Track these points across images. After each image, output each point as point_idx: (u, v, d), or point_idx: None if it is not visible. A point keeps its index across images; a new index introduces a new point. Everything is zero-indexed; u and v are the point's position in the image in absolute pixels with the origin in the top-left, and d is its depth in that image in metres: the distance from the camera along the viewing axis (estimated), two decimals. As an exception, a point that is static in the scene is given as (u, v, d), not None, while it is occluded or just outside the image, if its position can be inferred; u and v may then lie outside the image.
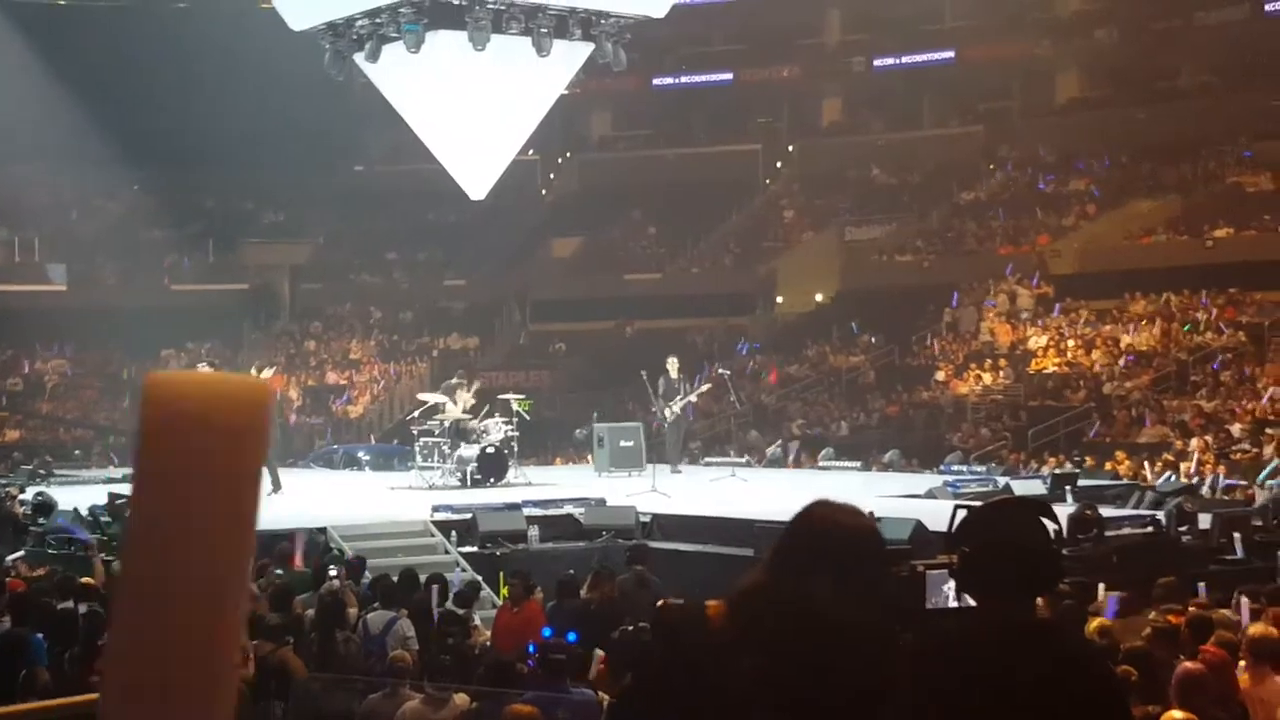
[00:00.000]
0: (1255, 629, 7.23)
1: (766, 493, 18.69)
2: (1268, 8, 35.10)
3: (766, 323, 36.77)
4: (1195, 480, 20.15)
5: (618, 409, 27.64)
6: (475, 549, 15.16)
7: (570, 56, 18.86)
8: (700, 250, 39.07)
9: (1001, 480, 19.65)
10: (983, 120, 39.41)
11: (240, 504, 1.67)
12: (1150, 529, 14.63)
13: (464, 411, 20.12)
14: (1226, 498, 18.82)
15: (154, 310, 33.39)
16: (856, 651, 2.38)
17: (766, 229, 39.48)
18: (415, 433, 20.56)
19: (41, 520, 15.98)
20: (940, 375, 29.91)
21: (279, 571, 12.30)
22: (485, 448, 19.59)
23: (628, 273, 38.29)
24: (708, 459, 24.66)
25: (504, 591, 12.83)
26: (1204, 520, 14.37)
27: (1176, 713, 5.93)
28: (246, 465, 1.66)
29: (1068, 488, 17.68)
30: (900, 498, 17.58)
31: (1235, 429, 23.74)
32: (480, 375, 28.70)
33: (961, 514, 3.73)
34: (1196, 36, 35.68)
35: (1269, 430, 22.98)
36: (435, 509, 16.18)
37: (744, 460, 24.65)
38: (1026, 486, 18.77)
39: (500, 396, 21.10)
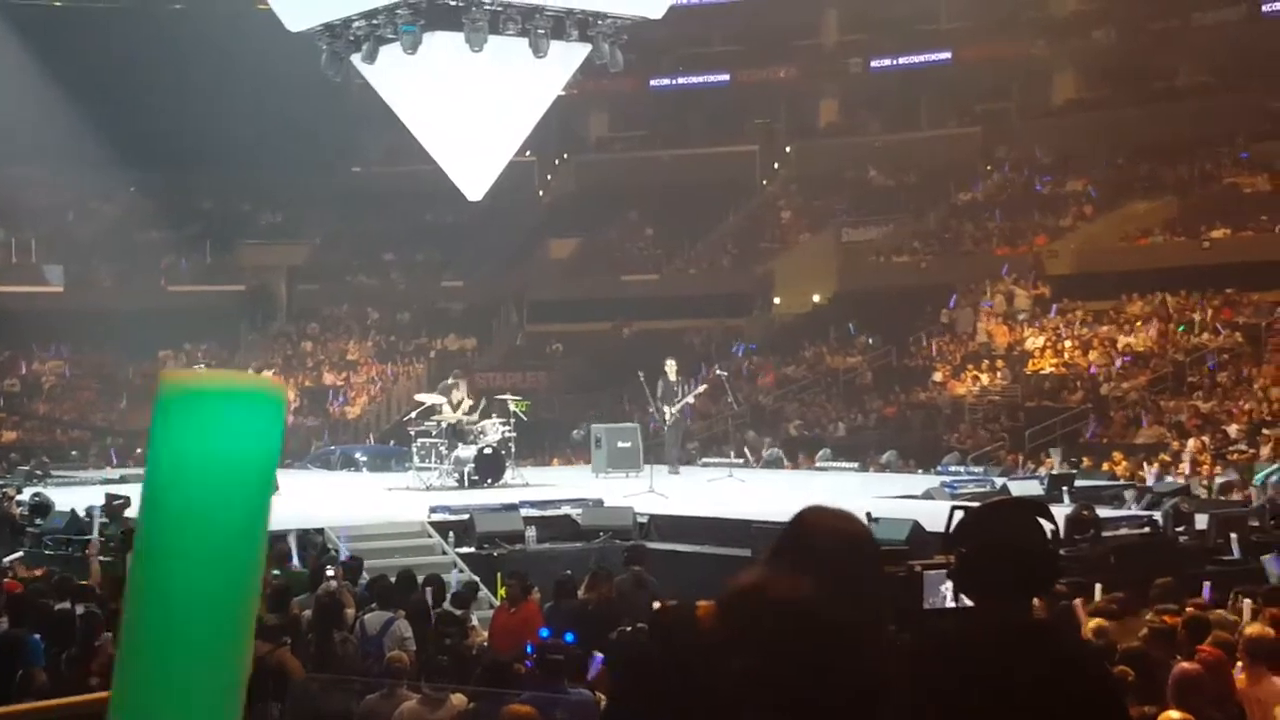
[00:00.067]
0: (1252, 629, 7.24)
1: (764, 493, 18.70)
2: (1265, 8, 35.12)
3: (764, 323, 36.78)
4: (1191, 481, 20.16)
5: (615, 410, 27.66)
6: (473, 550, 15.16)
7: (567, 57, 18.84)
8: (697, 251, 39.08)
9: (999, 481, 19.65)
10: (980, 121, 39.43)
11: (253, 503, 1.68)
12: (1147, 529, 14.64)
13: (464, 413, 20.11)
14: (1223, 498, 18.83)
15: (151, 311, 33.40)
16: (847, 653, 2.38)
17: (764, 230, 39.49)
18: (412, 433, 20.56)
19: (39, 521, 15.97)
20: (937, 376, 29.93)
21: (276, 572, 12.30)
22: (483, 448, 19.59)
23: (625, 274, 38.30)
24: (705, 460, 24.66)
25: (501, 592, 12.83)
26: (1201, 521, 14.38)
27: (1173, 713, 5.94)
28: (260, 464, 1.67)
29: (1065, 488, 17.69)
30: (897, 498, 17.57)
31: (1232, 429, 23.76)
32: (477, 375, 28.73)
33: (958, 515, 3.74)
34: (1194, 37, 35.71)
35: (1266, 431, 23.00)
36: (432, 510, 16.17)
37: (741, 461, 24.66)
38: (1024, 487, 18.76)
39: (498, 397, 21.09)
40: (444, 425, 19.88)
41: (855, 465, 24.50)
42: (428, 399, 20.75)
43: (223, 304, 37.32)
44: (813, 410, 30.33)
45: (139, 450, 25.02)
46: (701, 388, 23.09)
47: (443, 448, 19.78)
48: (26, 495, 18.03)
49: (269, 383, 1.64)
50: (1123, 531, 14.41)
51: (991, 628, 3.07)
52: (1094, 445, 25.07)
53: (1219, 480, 20.21)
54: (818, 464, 24.80)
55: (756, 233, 39.41)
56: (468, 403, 20.35)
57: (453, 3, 17.68)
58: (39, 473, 23.34)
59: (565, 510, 16.58)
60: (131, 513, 14.72)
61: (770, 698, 2.34)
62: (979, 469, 22.27)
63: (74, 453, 29.79)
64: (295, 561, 13.55)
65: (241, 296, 38.45)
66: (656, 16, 19.07)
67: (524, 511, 16.15)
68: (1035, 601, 3.58)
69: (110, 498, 15.78)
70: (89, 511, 15.57)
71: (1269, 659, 6.84)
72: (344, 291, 39.42)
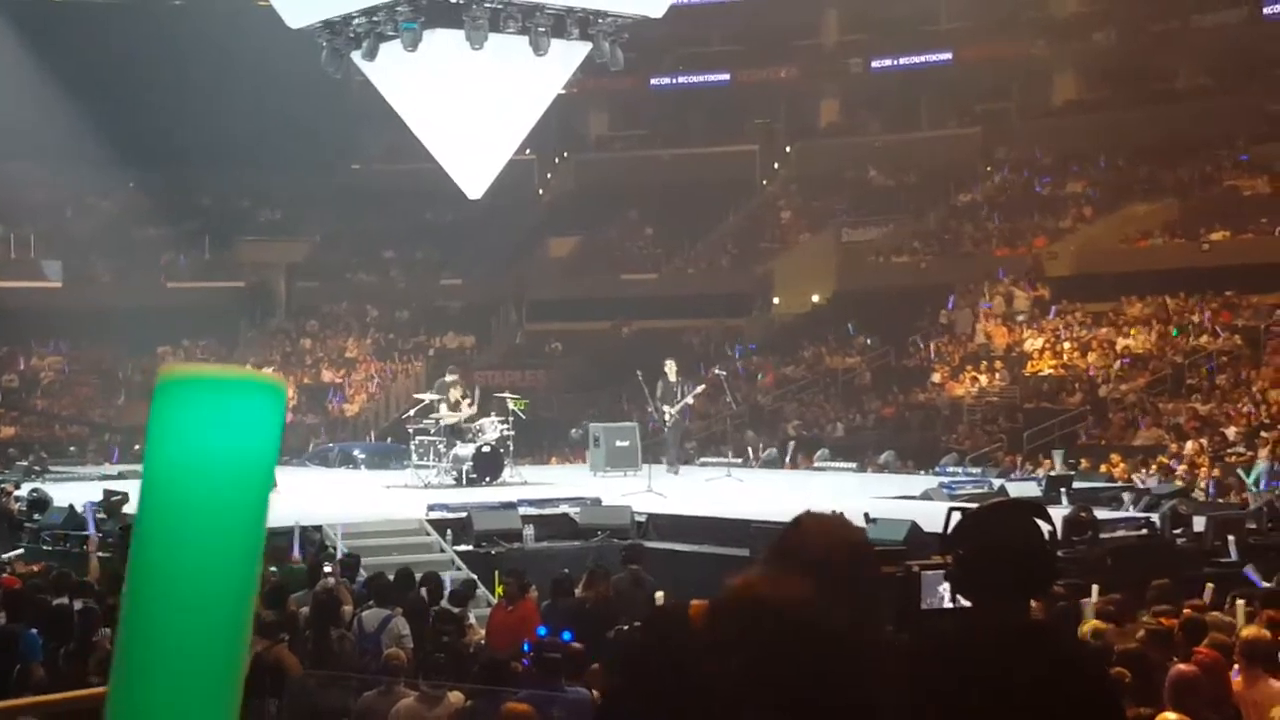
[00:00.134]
0: (1248, 631, 7.24)
1: (762, 493, 18.70)
2: (1266, 11, 35.10)
3: (763, 323, 36.77)
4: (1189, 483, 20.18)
5: (613, 409, 27.65)
6: (470, 548, 15.16)
7: (568, 56, 18.85)
8: (697, 251, 39.07)
9: (997, 482, 19.65)
10: (980, 122, 39.42)
11: (252, 497, 1.68)
12: (1145, 531, 14.65)
13: (462, 412, 20.11)
14: (1221, 500, 18.83)
15: (149, 308, 33.42)
16: (840, 656, 2.38)
17: (763, 230, 39.49)
18: (411, 431, 20.55)
19: (37, 516, 15.97)
20: (936, 377, 29.93)
21: (274, 569, 12.29)
22: (481, 447, 19.59)
23: (624, 273, 38.29)
24: (703, 459, 24.66)
25: (499, 590, 12.83)
26: (1198, 523, 14.38)
27: (1170, 715, 5.94)
28: (260, 458, 1.66)
29: (1063, 490, 17.69)
30: (895, 499, 17.57)
31: (1230, 432, 23.75)
32: (476, 374, 28.72)
33: (956, 516, 3.74)
34: (1194, 39, 35.71)
35: (1264, 433, 22.99)
36: (431, 508, 16.18)
37: (740, 460, 24.66)
38: (1022, 488, 18.76)
39: (496, 395, 21.09)
40: (442, 423, 19.88)
41: (853, 465, 24.50)
42: (427, 398, 20.74)
43: (222, 301, 37.32)
44: (811, 410, 30.34)
45: (137, 446, 25.01)
46: (700, 388, 23.08)
47: (441, 446, 19.78)
48: (25, 491, 18.03)
49: (269, 376, 1.64)
50: (1120, 533, 14.41)
51: (989, 629, 3.08)
52: (1092, 447, 25.06)
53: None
54: (816, 464, 24.80)
55: (756, 232, 39.41)
56: (466, 402, 20.35)
57: (453, 0, 17.68)
58: (37, 468, 23.35)
59: (563, 509, 16.58)
60: (130, 508, 14.73)
61: (761, 699, 2.34)
62: (977, 470, 22.27)
63: (72, 449, 29.80)
64: (297, 553, 13.57)
65: (241, 293, 38.45)
66: (657, 15, 19.07)
67: (522, 510, 16.15)
68: (1033, 603, 3.59)
69: (108, 494, 15.79)
70: (85, 507, 15.58)
71: (1266, 661, 6.84)
72: (343, 289, 39.41)
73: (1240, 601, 8.93)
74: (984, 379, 29.20)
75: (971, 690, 2.96)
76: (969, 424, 27.60)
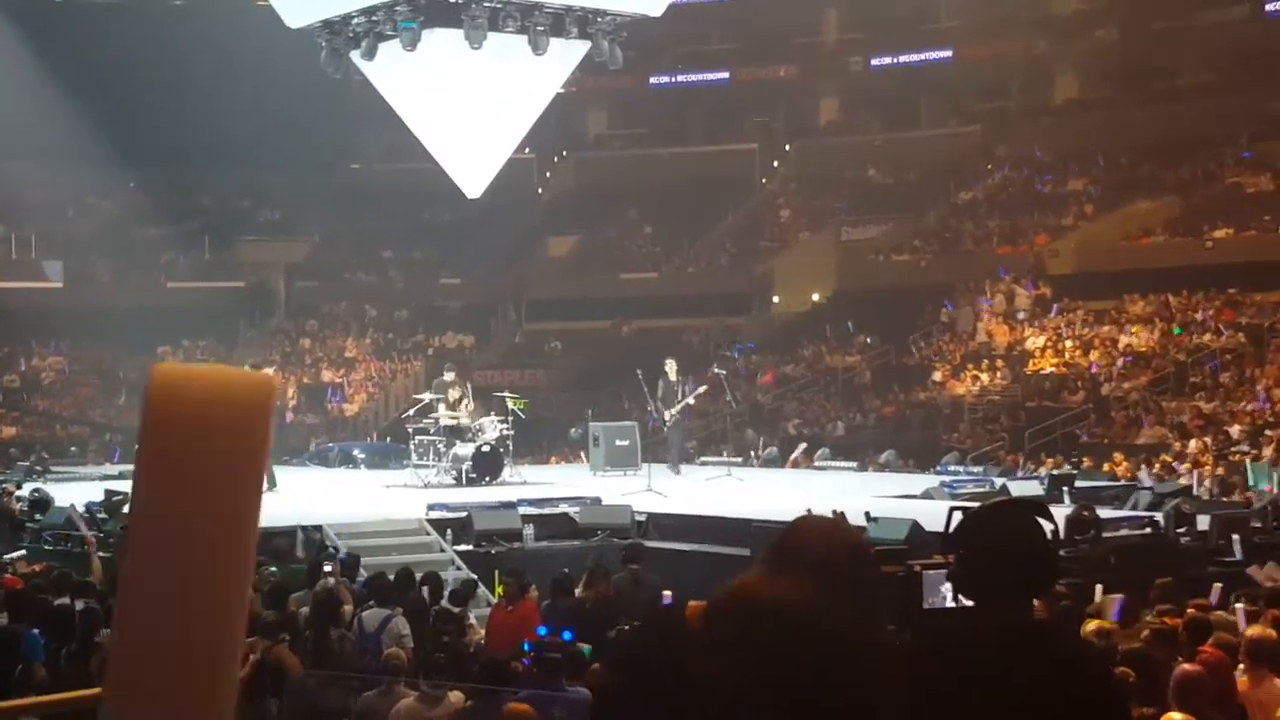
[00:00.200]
0: (1253, 631, 7.21)
1: (763, 492, 18.69)
2: (1268, 8, 35.07)
3: (763, 322, 36.76)
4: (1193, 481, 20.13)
5: (613, 408, 27.64)
6: (470, 547, 15.14)
7: (566, 55, 18.83)
8: (696, 250, 39.05)
9: (998, 481, 19.63)
10: (980, 120, 39.39)
11: (243, 499, 1.65)
12: (1148, 530, 14.61)
13: (462, 411, 20.09)
14: (1225, 499, 18.79)
15: (150, 307, 33.42)
16: (837, 657, 2.37)
17: (763, 228, 39.47)
18: (411, 431, 20.54)
19: (38, 517, 15.96)
20: (937, 376, 29.90)
21: (274, 569, 12.28)
22: (480, 446, 19.57)
23: (624, 272, 38.27)
24: (704, 458, 24.63)
25: (499, 590, 12.81)
26: (1202, 522, 14.34)
27: (1175, 715, 5.92)
28: (250, 459, 1.64)
29: (1065, 489, 17.66)
30: (896, 498, 17.55)
31: (1234, 430, 23.71)
32: (476, 373, 28.70)
33: (957, 516, 3.72)
34: (1196, 36, 35.66)
35: (1268, 432, 22.95)
36: (430, 507, 16.16)
37: (740, 460, 24.65)
38: (1023, 487, 18.75)
39: (496, 395, 21.07)
40: (441, 423, 19.86)
41: (854, 465, 24.48)
42: (426, 397, 20.72)
43: (222, 301, 37.31)
44: (812, 409, 30.31)
45: (137, 446, 24.99)
46: (702, 389, 23.05)
47: (441, 445, 19.77)
48: (26, 491, 18.02)
49: (259, 375, 1.61)
50: (1123, 532, 14.38)
51: (991, 628, 3.06)
52: (1095, 446, 25.03)
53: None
54: (817, 463, 24.78)
55: (756, 231, 39.38)
56: (465, 402, 20.33)
57: (452, 0, 17.66)
58: (38, 469, 23.35)
59: (563, 508, 16.56)
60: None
61: (759, 699, 2.33)
62: (978, 469, 22.25)
63: (73, 449, 29.81)
64: (301, 553, 13.58)
65: (240, 293, 38.44)
66: (656, 14, 19.06)
67: (522, 509, 16.13)
68: (1035, 602, 3.56)
69: (110, 493, 15.78)
70: (87, 508, 15.56)
71: (1271, 661, 6.81)
72: (342, 289, 39.40)
73: (1240, 604, 8.89)
74: (985, 377, 29.16)
75: (974, 690, 2.95)
76: (970, 423, 27.57)
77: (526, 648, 9.29)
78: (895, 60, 39.75)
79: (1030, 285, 31.67)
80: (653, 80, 41.72)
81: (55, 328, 34.54)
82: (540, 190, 43.22)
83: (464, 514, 15.72)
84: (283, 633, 9.67)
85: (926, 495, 17.94)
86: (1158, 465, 21.93)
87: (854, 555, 2.52)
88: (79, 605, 10.09)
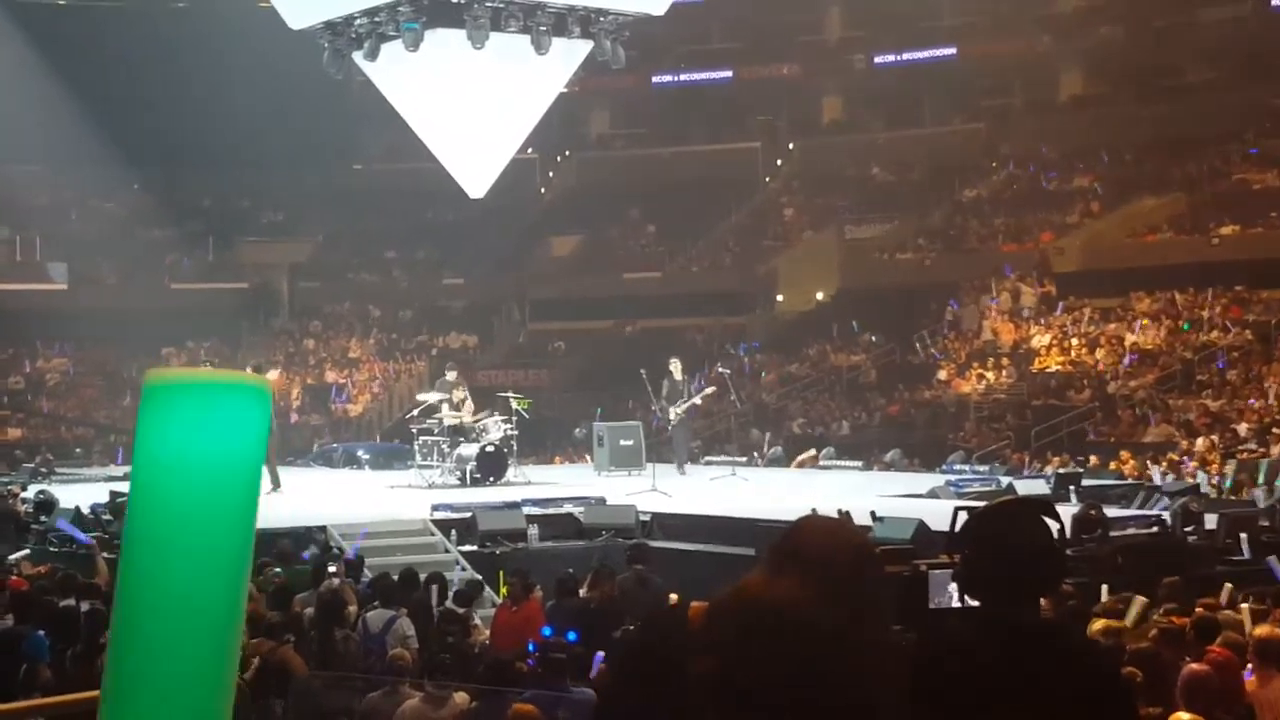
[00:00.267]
0: (1261, 630, 7.18)
1: (768, 492, 18.67)
2: (1274, 3, 34.98)
3: (766, 321, 36.73)
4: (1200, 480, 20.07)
5: (617, 408, 27.62)
6: (475, 548, 15.14)
7: (569, 54, 18.80)
8: (700, 249, 39.04)
9: (1004, 480, 19.59)
10: (984, 117, 39.34)
11: (239, 501, 1.63)
12: (1155, 529, 14.57)
13: (466, 412, 20.09)
14: (1233, 498, 18.73)
15: (154, 309, 33.45)
16: (836, 657, 2.35)
17: (766, 227, 39.44)
18: (415, 431, 20.53)
19: (43, 518, 15.96)
20: (942, 374, 29.86)
21: (279, 570, 12.27)
22: (485, 446, 19.57)
23: (627, 271, 38.26)
24: (708, 458, 24.62)
25: (503, 590, 12.79)
26: (1210, 520, 14.30)
27: (1183, 714, 5.90)
28: (246, 462, 1.62)
29: (1072, 487, 17.63)
30: (902, 497, 17.53)
31: (1242, 428, 23.65)
32: (479, 374, 28.71)
33: (963, 516, 3.70)
34: (1201, 33, 35.57)
35: (1276, 429, 22.89)
36: (435, 508, 16.16)
37: (744, 459, 24.64)
38: (1030, 486, 18.73)
39: (499, 395, 21.06)
40: (445, 423, 19.86)
41: (859, 464, 24.45)
42: (430, 398, 20.71)
43: (225, 302, 37.33)
44: (816, 409, 30.28)
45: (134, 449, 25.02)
46: (710, 390, 23.01)
47: (445, 446, 19.77)
48: (31, 493, 18.04)
49: (254, 379, 1.59)
50: (1130, 531, 14.34)
51: (998, 628, 3.04)
52: (1101, 444, 24.98)
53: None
54: (821, 463, 24.76)
55: (759, 230, 39.36)
56: (470, 401, 20.33)
57: (454, 0, 17.64)
58: (43, 470, 23.38)
59: (567, 508, 16.56)
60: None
61: (758, 699, 2.31)
62: (984, 468, 22.23)
63: (78, 450, 29.83)
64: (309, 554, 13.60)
65: (244, 294, 38.45)
66: (659, 13, 19.01)
67: (526, 510, 16.13)
68: (1042, 602, 3.54)
69: (114, 494, 15.80)
70: (92, 509, 15.55)
71: (1279, 660, 6.78)
72: (346, 289, 39.42)
73: (1245, 604, 8.86)
74: (991, 376, 29.12)
75: (981, 690, 2.93)
76: (976, 421, 27.53)
77: (531, 648, 9.27)
78: (899, 58, 39.70)
79: (1036, 282, 31.63)
80: (655, 79, 41.70)
81: (59, 329, 34.57)
82: (543, 190, 43.22)
83: (468, 514, 15.71)
84: (287, 633, 9.67)
85: (932, 494, 17.93)
86: (1164, 463, 21.89)
87: (857, 555, 2.51)
88: (84, 607, 10.09)
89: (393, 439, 28.81)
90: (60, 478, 22.48)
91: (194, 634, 1.61)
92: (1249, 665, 6.91)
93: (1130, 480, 20.30)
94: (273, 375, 31.13)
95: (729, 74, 41.74)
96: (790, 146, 41.70)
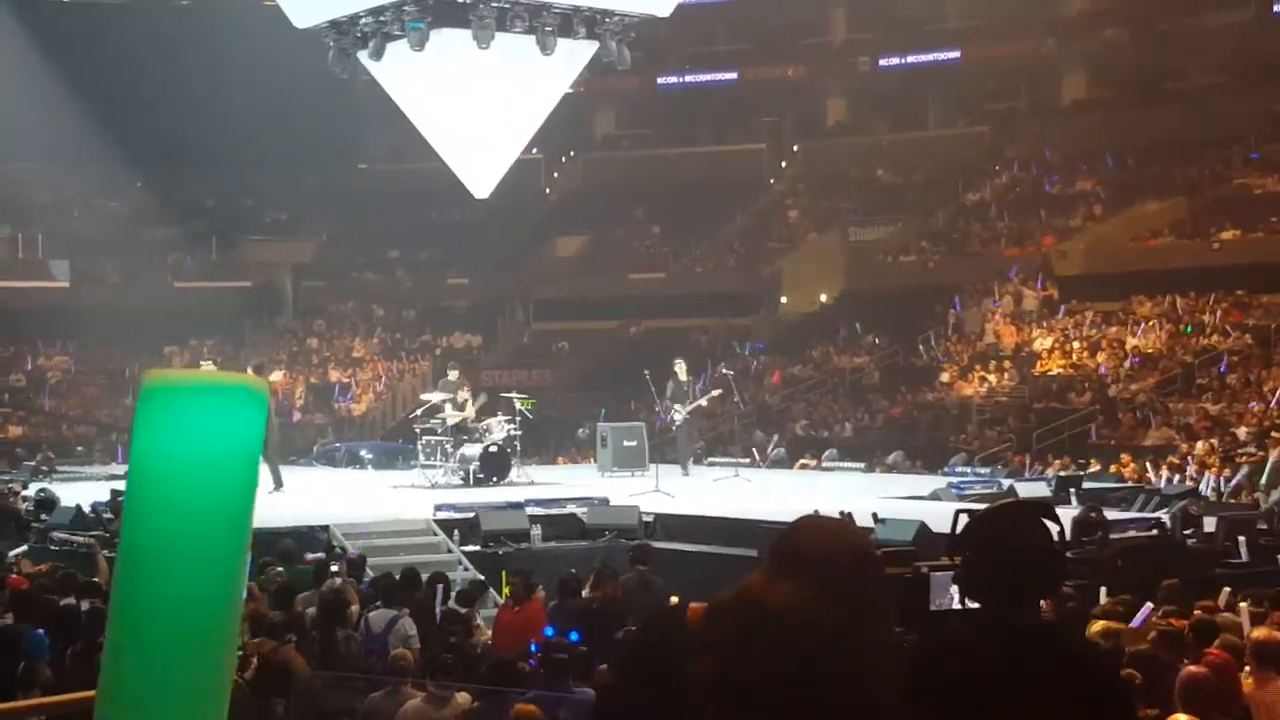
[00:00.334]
0: (1259, 633, 7.20)
1: (771, 493, 18.68)
2: (1276, 9, 35.02)
3: (770, 323, 36.73)
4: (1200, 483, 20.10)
5: (621, 408, 27.64)
6: (478, 548, 15.15)
7: (574, 55, 18.80)
8: (704, 250, 39.04)
9: (1006, 482, 19.60)
10: (988, 120, 39.35)
11: (236, 502, 1.65)
12: (1155, 532, 14.59)
13: (468, 412, 20.11)
14: (1232, 501, 18.75)
15: (156, 307, 33.43)
16: (834, 657, 2.36)
17: (771, 229, 39.44)
18: (418, 431, 20.55)
19: (44, 517, 15.98)
20: (945, 376, 29.86)
21: (280, 569, 12.28)
22: (488, 447, 19.58)
23: (631, 272, 38.26)
24: (711, 459, 24.63)
25: (505, 590, 12.81)
26: (1209, 523, 14.32)
27: (1181, 716, 5.91)
28: (243, 462, 1.64)
29: (1072, 490, 17.65)
30: (904, 499, 17.55)
31: (1241, 432, 23.67)
32: (483, 373, 28.72)
33: (964, 519, 3.72)
34: (1204, 37, 35.58)
35: (1275, 433, 22.90)
36: (438, 508, 16.17)
37: (747, 460, 24.65)
38: (1031, 489, 18.73)
39: (503, 395, 21.08)
40: (449, 423, 19.87)
41: (861, 466, 24.47)
42: (433, 398, 20.73)
43: (229, 300, 37.31)
44: (819, 410, 30.29)
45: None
46: (716, 392, 23.02)
47: (448, 445, 19.78)
48: (32, 491, 18.05)
49: (250, 379, 1.61)
50: (1130, 534, 14.36)
51: (999, 630, 3.06)
52: (1102, 447, 24.99)
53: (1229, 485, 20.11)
54: (824, 464, 24.78)
55: (763, 232, 39.36)
56: (472, 402, 20.34)
57: (460, 0, 17.65)
58: (44, 468, 23.38)
59: (571, 509, 16.57)
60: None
61: (757, 700, 2.32)
62: (986, 470, 22.25)
63: (79, 448, 29.83)
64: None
65: (247, 293, 38.44)
66: (664, 14, 19.01)
67: (529, 510, 16.15)
68: (1042, 604, 3.56)
69: (115, 493, 15.79)
70: (93, 508, 15.57)
71: (1277, 663, 6.80)
72: (349, 288, 39.43)
73: (1244, 604, 8.88)
74: (993, 379, 29.13)
75: (982, 691, 2.94)
76: (978, 424, 27.53)
77: (534, 649, 9.29)
78: (903, 60, 39.71)
79: (1038, 286, 31.64)
80: (661, 80, 41.71)
81: (62, 328, 34.57)
82: (548, 190, 43.23)
83: (471, 514, 15.73)
84: (289, 633, 9.67)
85: (934, 496, 17.95)
86: (1165, 467, 21.90)
87: (858, 556, 2.52)
88: (85, 605, 10.10)
89: (396, 439, 28.81)
90: (61, 476, 22.49)
91: (190, 634, 1.62)
92: (1246, 667, 6.92)
93: (1130, 483, 20.32)
94: (276, 376, 31.16)
95: (734, 75, 41.75)
96: (795, 148, 41.70)
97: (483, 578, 13.78)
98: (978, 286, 32.45)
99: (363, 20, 18.21)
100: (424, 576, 12.14)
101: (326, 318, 38.43)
